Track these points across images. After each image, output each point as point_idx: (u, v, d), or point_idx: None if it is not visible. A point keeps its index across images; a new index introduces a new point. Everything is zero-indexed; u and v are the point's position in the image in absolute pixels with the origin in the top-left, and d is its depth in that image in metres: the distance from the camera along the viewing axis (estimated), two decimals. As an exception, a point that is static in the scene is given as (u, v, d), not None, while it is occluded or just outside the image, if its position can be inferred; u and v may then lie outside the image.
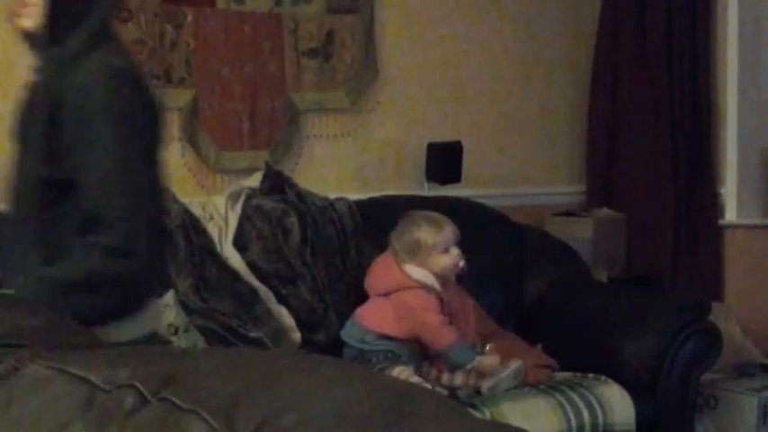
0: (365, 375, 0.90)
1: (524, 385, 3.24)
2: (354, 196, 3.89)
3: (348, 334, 3.29)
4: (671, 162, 4.49)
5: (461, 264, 3.20)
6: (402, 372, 3.08)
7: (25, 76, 2.11)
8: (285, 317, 3.37)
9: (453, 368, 3.20)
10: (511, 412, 3.08)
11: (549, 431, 3.14)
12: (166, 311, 3.12)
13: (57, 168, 1.84)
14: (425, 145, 4.14)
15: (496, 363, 3.12)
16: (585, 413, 3.22)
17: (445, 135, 4.21)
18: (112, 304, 1.81)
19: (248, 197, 3.55)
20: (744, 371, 4.05)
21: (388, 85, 4.21)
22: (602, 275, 4.19)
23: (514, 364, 3.19)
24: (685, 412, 3.51)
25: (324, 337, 3.43)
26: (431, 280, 3.21)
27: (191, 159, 3.72)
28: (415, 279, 3.21)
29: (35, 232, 1.86)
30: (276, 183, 3.63)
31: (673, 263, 4.47)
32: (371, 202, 3.90)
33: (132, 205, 1.81)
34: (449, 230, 3.20)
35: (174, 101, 3.66)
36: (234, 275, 3.34)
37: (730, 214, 4.48)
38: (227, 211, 3.48)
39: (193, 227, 3.34)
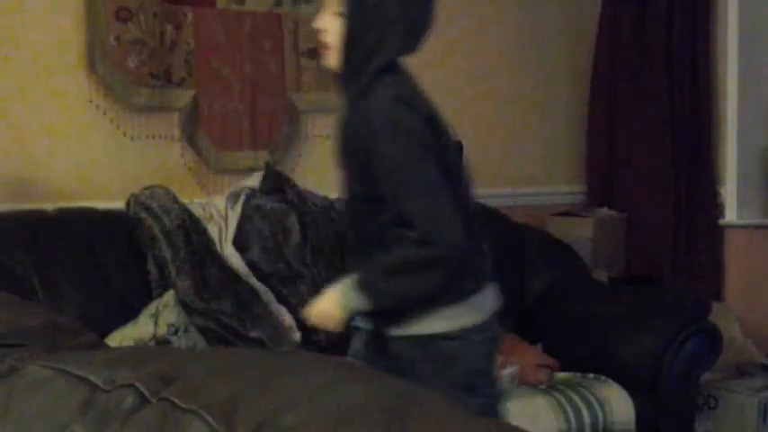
0: (365, 375, 0.90)
1: (524, 385, 3.25)
2: (354, 196, 3.88)
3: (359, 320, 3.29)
4: (671, 162, 4.49)
5: None
6: None
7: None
8: (285, 317, 3.37)
9: None
10: (511, 412, 3.08)
11: (549, 431, 3.14)
12: (166, 311, 3.12)
13: (368, 186, 2.20)
14: (425, 145, 4.14)
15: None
16: (585, 413, 3.22)
17: (445, 135, 4.20)
18: (428, 287, 2.14)
19: (248, 197, 3.55)
20: (744, 371, 4.05)
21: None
22: (602, 275, 4.19)
23: (510, 369, 3.19)
24: (685, 412, 3.51)
25: (324, 337, 3.43)
26: None
27: (191, 159, 3.72)
28: None
29: (365, 237, 2.25)
30: (276, 183, 3.63)
31: (673, 263, 4.47)
32: (371, 202, 3.90)
33: (425, 203, 2.13)
34: None
35: (174, 101, 3.66)
36: (234, 275, 3.34)
37: (730, 214, 4.48)
38: (227, 211, 3.48)
39: (193, 227, 3.34)
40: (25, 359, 0.93)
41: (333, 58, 2.23)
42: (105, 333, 2.98)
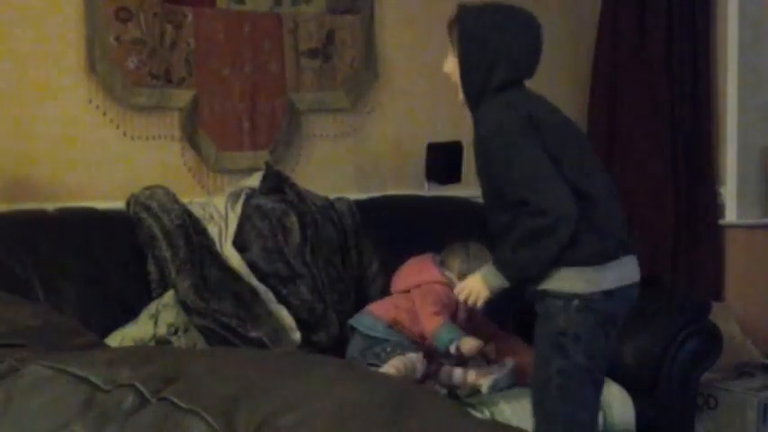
0: (365, 375, 0.90)
1: (524, 385, 3.24)
2: (354, 196, 3.89)
3: (359, 321, 3.33)
4: (671, 162, 4.49)
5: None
6: (411, 359, 3.14)
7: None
8: (285, 317, 3.37)
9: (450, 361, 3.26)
10: (511, 412, 3.08)
11: (549, 431, 3.13)
12: (166, 311, 3.12)
13: (493, 182, 2.62)
14: (425, 145, 4.14)
15: (476, 344, 3.13)
16: (585, 413, 3.22)
17: (445, 135, 4.21)
18: (546, 253, 2.51)
19: (248, 197, 3.54)
20: (744, 371, 4.05)
21: (388, 85, 4.21)
22: (602, 275, 4.19)
23: (509, 363, 3.22)
24: (685, 412, 3.51)
25: (324, 337, 3.43)
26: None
27: (191, 159, 3.72)
28: (448, 278, 3.34)
29: (500, 226, 2.63)
30: (276, 183, 3.63)
31: (673, 263, 4.47)
32: (371, 202, 3.90)
33: (532, 181, 2.49)
34: None
35: (174, 101, 3.66)
36: (234, 275, 3.34)
37: (730, 214, 4.48)
38: (227, 211, 3.48)
39: (193, 227, 3.34)
40: (25, 359, 0.93)
41: (457, 92, 2.73)
42: (105, 333, 2.98)
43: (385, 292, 3.51)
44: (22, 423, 0.87)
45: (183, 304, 3.14)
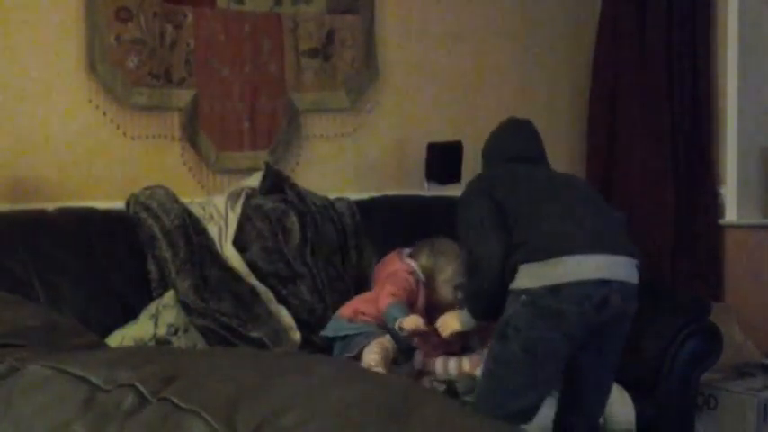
0: (365, 375, 0.90)
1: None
2: (354, 196, 3.89)
3: (326, 329, 3.39)
4: (671, 162, 4.49)
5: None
6: (381, 343, 3.18)
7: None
8: (285, 317, 3.37)
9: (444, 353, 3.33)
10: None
11: (549, 431, 3.13)
12: (166, 311, 3.12)
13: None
14: (425, 145, 4.14)
15: (418, 322, 3.16)
16: (585, 413, 3.22)
17: (445, 135, 4.21)
18: (478, 285, 2.88)
19: (248, 197, 3.54)
20: (744, 371, 4.05)
21: (388, 85, 4.21)
22: (602, 275, 4.18)
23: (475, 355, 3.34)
24: (685, 412, 3.51)
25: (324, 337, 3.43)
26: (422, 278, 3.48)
27: (191, 159, 3.72)
28: (414, 269, 3.43)
29: None
30: (276, 183, 3.63)
31: (673, 263, 4.47)
32: (371, 202, 3.90)
33: (472, 245, 2.88)
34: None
35: (174, 101, 3.66)
36: (234, 275, 3.34)
37: (730, 214, 4.48)
38: (227, 211, 3.48)
39: (193, 227, 3.34)
40: (25, 359, 0.93)
41: None
42: (105, 333, 2.98)
43: (385, 291, 3.53)
44: (22, 423, 0.87)
45: (183, 304, 3.14)
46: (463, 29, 4.40)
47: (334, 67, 4.04)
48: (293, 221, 3.55)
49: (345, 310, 3.40)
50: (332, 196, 3.79)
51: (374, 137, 4.17)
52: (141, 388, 0.84)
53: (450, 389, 3.16)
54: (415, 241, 3.55)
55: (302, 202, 3.62)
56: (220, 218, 3.46)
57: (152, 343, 3.02)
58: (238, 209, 3.49)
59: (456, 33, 4.39)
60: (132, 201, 3.33)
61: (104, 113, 3.53)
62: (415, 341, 3.30)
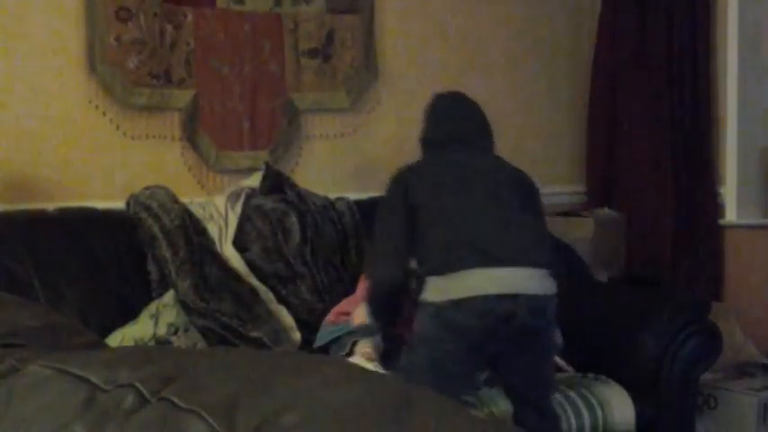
0: (365, 375, 0.89)
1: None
2: (354, 196, 3.88)
3: (317, 339, 3.38)
4: (671, 162, 4.49)
5: None
6: (363, 346, 3.16)
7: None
8: (285, 317, 3.37)
9: None
10: (511, 411, 3.07)
11: (549, 431, 3.13)
12: (166, 311, 3.12)
13: None
14: (425, 145, 4.14)
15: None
16: (585, 413, 3.22)
17: (445, 135, 4.20)
18: (374, 309, 2.94)
19: (248, 197, 3.55)
20: (744, 371, 4.05)
21: (388, 85, 4.21)
22: (602, 275, 4.19)
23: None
24: (685, 412, 3.51)
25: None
26: None
27: (191, 159, 3.72)
28: None
29: None
30: (276, 183, 3.63)
31: (673, 263, 4.47)
32: (371, 202, 3.89)
33: (375, 249, 2.91)
34: None
35: (174, 101, 3.66)
36: (234, 275, 3.34)
37: (730, 214, 4.47)
38: (227, 211, 3.48)
39: (193, 227, 3.34)
40: (25, 359, 0.93)
41: None
42: (105, 333, 2.98)
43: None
44: (21, 423, 0.87)
45: (183, 304, 3.14)
46: (462, 29, 4.40)
47: (334, 67, 4.04)
48: (293, 221, 3.55)
49: (330, 315, 3.41)
50: (332, 196, 3.79)
51: (374, 137, 4.17)
52: (141, 388, 0.84)
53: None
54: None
55: (302, 202, 3.62)
56: (220, 218, 3.47)
57: (152, 343, 3.02)
58: (238, 209, 3.49)
59: (456, 33, 4.39)
60: (132, 201, 3.33)
61: (104, 113, 3.53)
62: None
